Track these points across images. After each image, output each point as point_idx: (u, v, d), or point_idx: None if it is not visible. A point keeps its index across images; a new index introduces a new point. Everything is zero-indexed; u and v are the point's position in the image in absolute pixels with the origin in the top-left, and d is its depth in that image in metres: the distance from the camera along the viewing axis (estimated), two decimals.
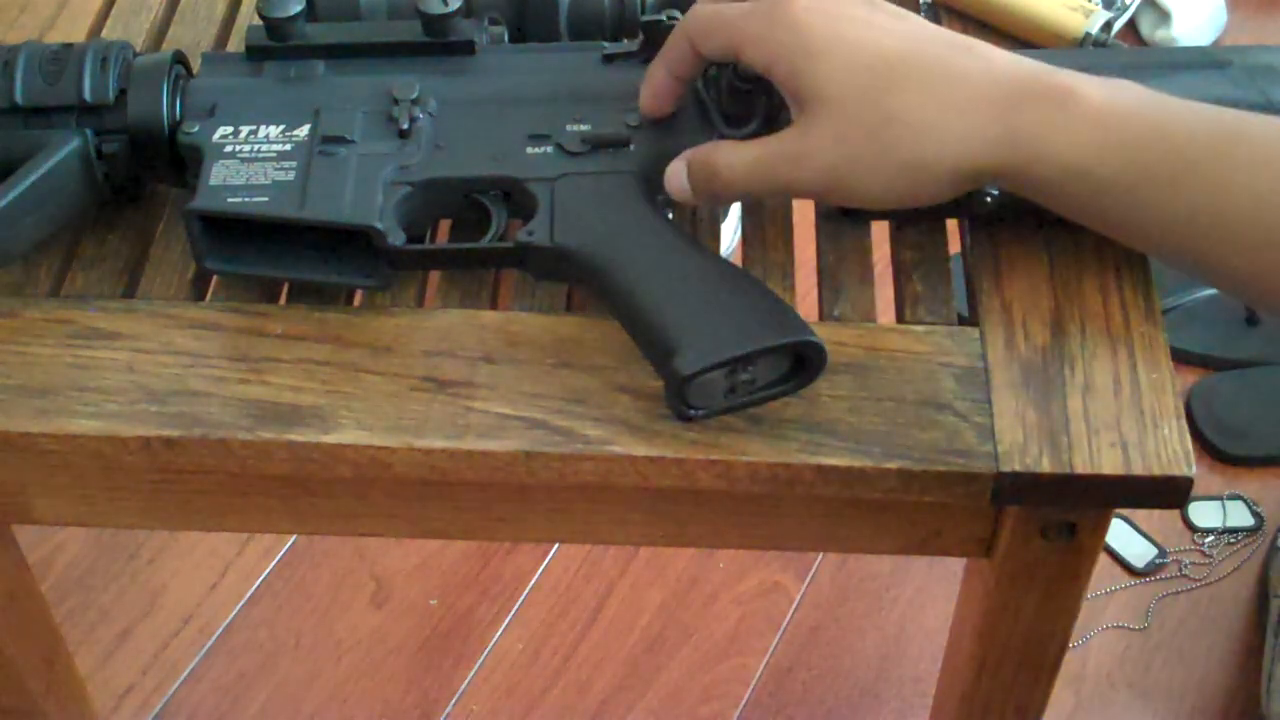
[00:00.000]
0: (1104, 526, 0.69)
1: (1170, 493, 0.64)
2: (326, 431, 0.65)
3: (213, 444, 0.65)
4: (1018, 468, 0.63)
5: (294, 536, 1.30)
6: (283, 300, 0.71)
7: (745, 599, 1.27)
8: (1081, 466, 0.63)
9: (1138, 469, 0.64)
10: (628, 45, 0.72)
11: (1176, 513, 1.33)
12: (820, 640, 1.24)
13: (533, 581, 1.28)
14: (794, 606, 1.27)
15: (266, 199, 0.66)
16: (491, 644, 1.24)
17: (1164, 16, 1.71)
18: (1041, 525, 0.68)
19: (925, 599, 1.27)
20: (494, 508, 0.71)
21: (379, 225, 0.65)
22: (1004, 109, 0.61)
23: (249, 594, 1.27)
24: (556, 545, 1.30)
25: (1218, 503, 1.33)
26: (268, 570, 1.28)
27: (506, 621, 1.25)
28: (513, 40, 0.75)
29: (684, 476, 0.64)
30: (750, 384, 0.62)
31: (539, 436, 0.64)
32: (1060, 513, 0.67)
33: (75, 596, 1.26)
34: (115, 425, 0.65)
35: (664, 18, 0.71)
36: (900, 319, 0.70)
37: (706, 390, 0.62)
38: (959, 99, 0.61)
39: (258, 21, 0.71)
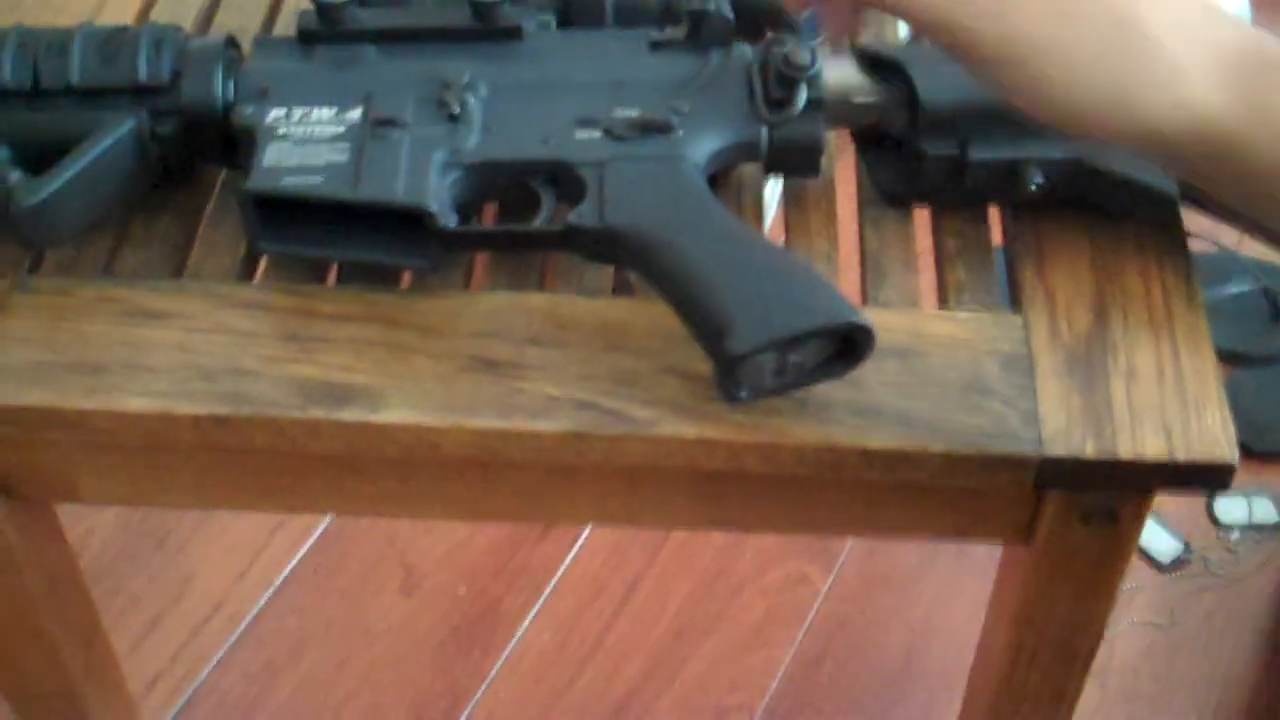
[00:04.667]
0: (1144, 513, 0.69)
1: (1213, 478, 0.65)
2: (376, 411, 0.65)
3: (263, 422, 0.66)
4: (1062, 452, 0.64)
5: (324, 524, 1.30)
6: (331, 281, 0.71)
7: (772, 590, 1.28)
8: (1125, 452, 0.64)
9: (1181, 454, 0.64)
10: (674, 32, 0.72)
11: (1202, 508, 1.33)
12: (847, 632, 1.25)
13: (561, 571, 1.28)
14: (820, 598, 1.27)
15: (320, 180, 0.66)
16: (520, 633, 1.24)
17: None
18: (1083, 511, 0.68)
19: (951, 592, 1.27)
20: (537, 490, 0.72)
21: (432, 207, 0.66)
22: (1240, 71, 0.56)
23: (279, 581, 1.27)
24: (585, 535, 1.30)
25: (1243, 498, 1.34)
26: (297, 557, 1.29)
27: (535, 610, 1.26)
28: (559, 28, 0.75)
29: (731, 458, 0.65)
30: (799, 366, 0.63)
31: (588, 417, 0.65)
32: (1102, 498, 0.67)
33: (105, 582, 1.27)
34: (167, 404, 0.66)
35: (710, 6, 0.71)
36: (943, 305, 0.70)
37: (755, 371, 0.62)
38: (1206, 39, 0.56)
39: (307, 6, 0.72)
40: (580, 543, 1.30)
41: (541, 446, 0.65)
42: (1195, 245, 0.73)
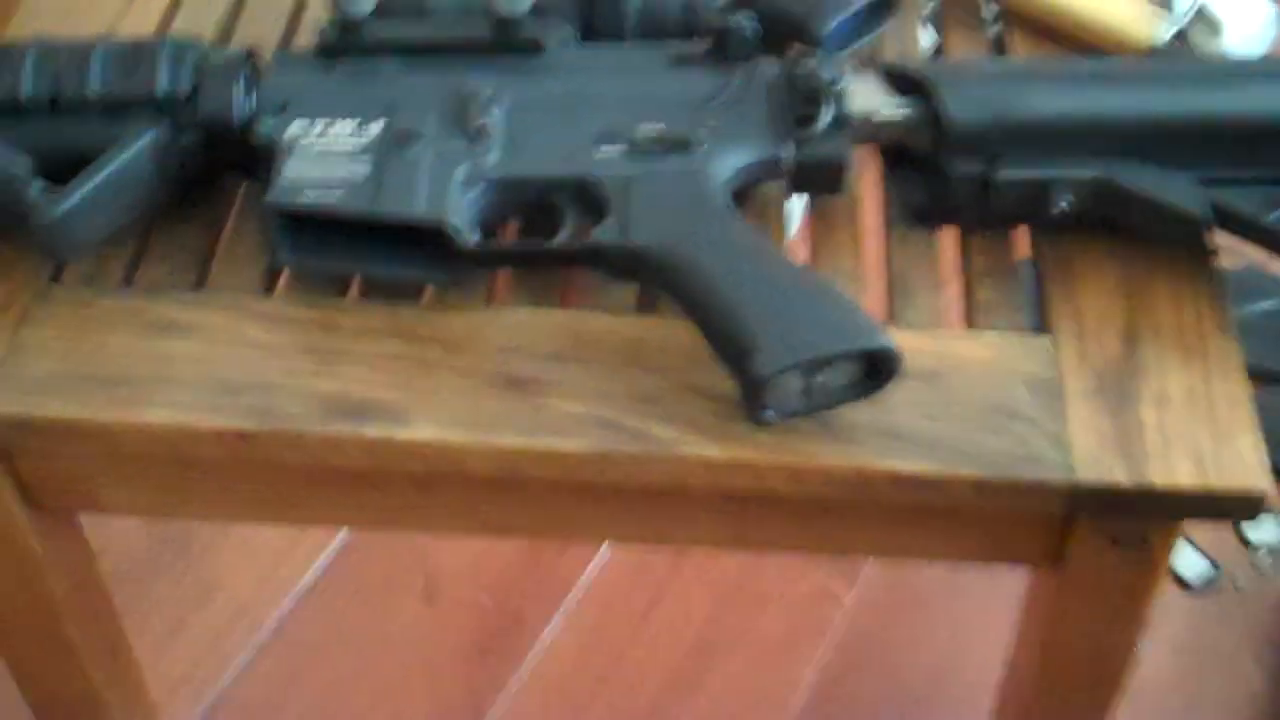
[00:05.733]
0: (1175, 538, 0.68)
1: (1244, 506, 0.64)
2: (401, 426, 0.65)
3: (288, 437, 0.65)
4: (1093, 478, 0.63)
5: (345, 532, 1.30)
6: (353, 294, 0.71)
7: (795, 605, 1.27)
8: (1156, 478, 0.63)
9: (1213, 481, 0.63)
10: (698, 47, 0.72)
11: (1230, 528, 1.32)
12: (871, 648, 1.24)
13: (583, 582, 1.28)
14: (844, 613, 1.26)
15: (341, 194, 0.66)
16: (542, 643, 1.24)
17: (1215, 27, 1.69)
18: (1113, 536, 0.67)
19: (977, 608, 1.26)
20: (559, 505, 0.71)
21: (454, 222, 0.65)
22: None
23: (301, 588, 1.27)
24: (606, 547, 1.30)
25: (1273, 518, 1.32)
26: (320, 565, 1.29)
27: (557, 621, 1.25)
28: (582, 42, 0.75)
29: (756, 479, 0.64)
30: (824, 387, 0.62)
31: (611, 436, 0.64)
32: (1132, 523, 0.66)
33: (128, 589, 1.27)
34: (190, 417, 0.66)
35: (734, 21, 0.71)
36: (970, 326, 0.69)
37: (781, 392, 0.62)
38: None
39: (327, 19, 0.72)
40: (603, 554, 1.29)
41: (565, 465, 0.65)
42: (1224, 260, 0.71)
